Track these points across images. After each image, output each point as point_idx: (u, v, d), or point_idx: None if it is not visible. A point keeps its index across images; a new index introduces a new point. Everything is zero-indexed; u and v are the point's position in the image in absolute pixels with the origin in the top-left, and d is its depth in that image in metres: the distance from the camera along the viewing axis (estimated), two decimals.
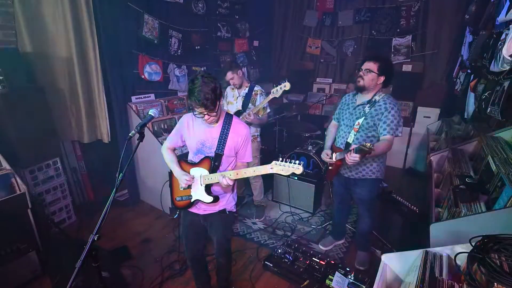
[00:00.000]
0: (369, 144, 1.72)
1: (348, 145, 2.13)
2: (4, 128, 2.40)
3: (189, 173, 1.70)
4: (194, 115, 1.55)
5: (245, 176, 1.56)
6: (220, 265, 2.06)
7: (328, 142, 2.36)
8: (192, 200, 1.73)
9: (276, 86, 2.57)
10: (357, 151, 1.80)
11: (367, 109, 2.03)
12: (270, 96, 2.62)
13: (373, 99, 2.03)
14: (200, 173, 1.68)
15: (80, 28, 2.75)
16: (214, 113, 1.54)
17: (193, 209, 1.80)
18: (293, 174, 1.47)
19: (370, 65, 1.98)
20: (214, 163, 1.65)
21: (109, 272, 2.19)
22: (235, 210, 1.89)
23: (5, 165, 2.29)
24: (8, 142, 2.42)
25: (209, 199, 1.69)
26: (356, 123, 2.07)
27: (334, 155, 2.19)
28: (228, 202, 1.82)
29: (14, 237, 2.22)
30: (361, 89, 2.05)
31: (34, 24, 2.62)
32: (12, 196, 2.18)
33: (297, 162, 1.43)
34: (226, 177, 1.57)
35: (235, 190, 1.88)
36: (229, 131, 1.65)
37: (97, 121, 3.11)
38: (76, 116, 3.01)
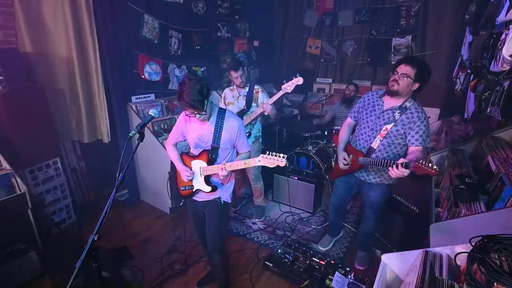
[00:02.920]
0: (430, 164, 1.58)
1: (371, 150, 2.03)
2: (4, 128, 2.40)
3: (190, 165, 1.86)
4: (186, 115, 1.66)
5: (239, 167, 1.71)
6: (214, 264, 2.07)
7: (342, 144, 2.22)
8: (194, 189, 1.88)
9: (287, 81, 2.58)
10: (408, 167, 1.62)
11: (397, 115, 1.90)
12: (281, 92, 2.62)
13: (404, 105, 1.91)
14: (199, 165, 1.83)
15: (80, 28, 2.75)
16: (204, 112, 1.64)
17: (194, 197, 1.94)
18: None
19: (408, 69, 1.82)
20: (211, 156, 1.79)
21: (109, 272, 2.19)
22: (230, 201, 1.99)
23: (5, 165, 2.29)
24: (8, 142, 2.42)
25: (208, 188, 1.84)
26: (384, 128, 1.95)
27: (350, 157, 2.10)
28: (223, 191, 1.92)
29: (14, 237, 2.22)
30: (393, 94, 1.91)
31: (34, 24, 2.62)
32: (12, 196, 2.18)
33: (281, 155, 1.56)
34: (223, 169, 1.71)
35: (233, 181, 1.99)
36: (223, 125, 1.76)
37: (97, 121, 3.11)
38: (76, 116, 3.01)
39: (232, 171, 1.77)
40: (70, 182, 3.20)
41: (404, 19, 4.37)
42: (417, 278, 1.08)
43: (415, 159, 1.74)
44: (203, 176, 1.83)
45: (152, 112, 1.60)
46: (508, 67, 1.99)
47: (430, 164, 1.59)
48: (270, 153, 1.58)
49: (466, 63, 3.28)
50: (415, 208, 2.54)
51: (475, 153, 2.44)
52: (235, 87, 2.90)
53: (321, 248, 2.69)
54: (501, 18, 2.14)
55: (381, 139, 1.97)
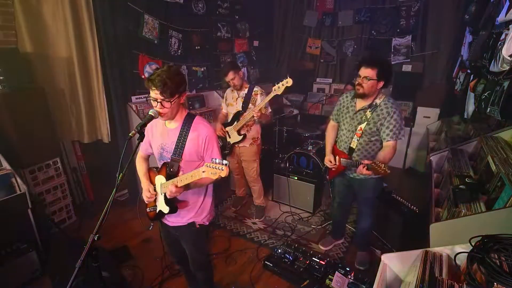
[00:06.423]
0: (383, 165, 1.75)
1: (351, 150, 2.11)
2: (4, 128, 2.40)
3: (154, 181, 1.61)
4: (147, 99, 1.47)
5: (188, 181, 1.40)
6: (199, 280, 1.98)
7: (329, 146, 2.30)
8: (156, 210, 1.62)
9: (278, 83, 2.56)
10: (369, 168, 1.82)
11: (368, 114, 1.99)
12: (272, 94, 2.60)
13: (374, 103, 1.99)
14: (160, 182, 1.57)
15: (80, 28, 2.76)
16: (167, 103, 1.40)
17: (164, 220, 1.71)
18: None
19: (368, 72, 1.89)
20: (169, 169, 1.52)
21: (109, 272, 2.19)
22: (207, 224, 1.73)
23: (5, 165, 2.29)
24: (8, 142, 2.42)
25: (166, 209, 1.56)
26: (359, 128, 2.04)
27: (337, 158, 2.16)
28: (197, 214, 1.67)
29: (14, 237, 2.22)
30: (361, 97, 2.00)
31: (34, 24, 2.62)
32: (12, 196, 2.18)
33: (224, 162, 1.28)
34: (173, 184, 1.43)
35: (208, 200, 1.71)
36: (188, 133, 1.50)
37: (97, 121, 3.11)
38: (76, 116, 3.01)
39: (186, 185, 1.45)
40: (70, 182, 3.20)
41: (404, 19, 4.37)
42: (417, 278, 1.08)
43: (381, 157, 1.92)
44: (163, 195, 1.56)
45: (152, 112, 1.49)
46: (508, 67, 2.00)
47: (382, 165, 1.76)
48: (215, 160, 1.29)
49: (466, 63, 3.28)
50: (415, 208, 2.54)
51: (475, 153, 2.44)
52: None
53: (321, 248, 2.69)
54: (501, 18, 2.15)
55: (358, 138, 2.07)
